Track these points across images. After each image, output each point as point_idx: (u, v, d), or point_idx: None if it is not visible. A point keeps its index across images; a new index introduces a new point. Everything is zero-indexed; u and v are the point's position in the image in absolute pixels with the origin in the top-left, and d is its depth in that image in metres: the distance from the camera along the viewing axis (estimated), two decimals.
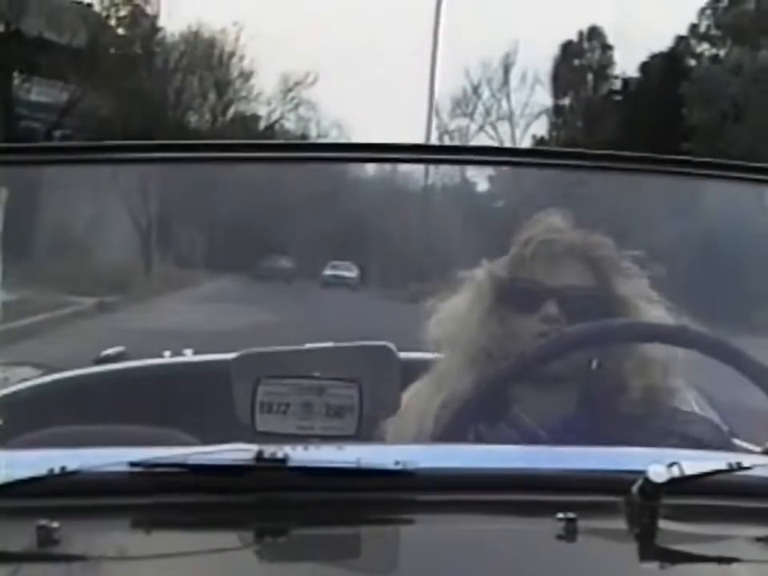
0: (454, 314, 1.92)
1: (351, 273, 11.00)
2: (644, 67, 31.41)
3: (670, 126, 27.17)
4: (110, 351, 2.54)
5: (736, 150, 23.83)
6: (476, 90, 31.45)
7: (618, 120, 29.97)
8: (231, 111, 28.51)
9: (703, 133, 26.52)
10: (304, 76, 28.59)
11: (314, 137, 28.16)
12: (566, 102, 32.39)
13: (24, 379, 2.34)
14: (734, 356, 1.69)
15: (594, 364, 1.81)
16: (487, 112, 31.39)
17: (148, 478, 1.33)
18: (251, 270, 8.35)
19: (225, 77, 28.30)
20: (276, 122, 29.08)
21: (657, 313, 1.85)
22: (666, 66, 30.07)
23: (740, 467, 1.36)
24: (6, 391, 2.19)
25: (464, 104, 31.70)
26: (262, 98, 29.07)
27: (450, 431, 1.66)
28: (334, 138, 27.80)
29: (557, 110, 32.31)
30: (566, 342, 1.76)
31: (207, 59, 27.73)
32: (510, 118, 31.47)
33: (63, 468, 1.30)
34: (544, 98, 32.58)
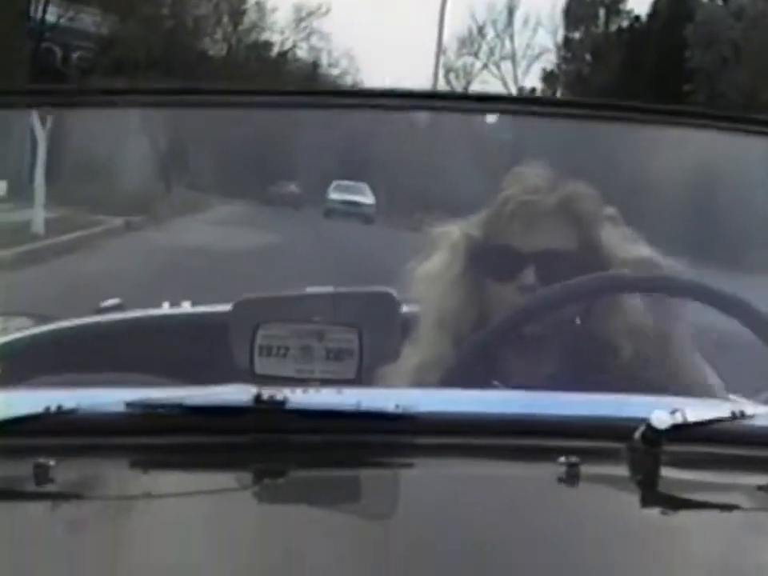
0: (428, 274, 1.88)
1: (365, 198, 8.68)
2: (654, 5, 31.29)
3: (673, 66, 27.09)
4: (107, 302, 2.53)
5: (735, 92, 23.80)
6: (481, 30, 31.76)
7: (623, 58, 29.88)
8: (246, 39, 29.39)
9: (704, 75, 26.41)
10: (317, 7, 29.80)
11: (324, 65, 29.65)
12: (576, 36, 32.41)
13: (21, 329, 2.33)
14: (724, 301, 1.68)
15: (578, 320, 1.80)
16: (491, 51, 31.67)
17: (145, 419, 1.32)
18: (261, 195, 8.46)
19: (240, 6, 29.17)
20: (288, 50, 30.15)
21: (643, 257, 1.81)
22: (673, 7, 29.96)
23: (743, 415, 1.35)
24: (2, 340, 2.18)
25: (469, 43, 32.04)
26: (276, 27, 30.14)
27: (447, 377, 1.66)
28: (343, 67, 29.41)
29: (566, 44, 32.35)
30: (549, 300, 1.74)
31: None
32: (513, 57, 31.65)
33: (60, 407, 1.29)
34: (545, 39, 32.61)
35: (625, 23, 32.80)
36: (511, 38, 32.32)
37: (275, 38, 30.27)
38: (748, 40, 26.60)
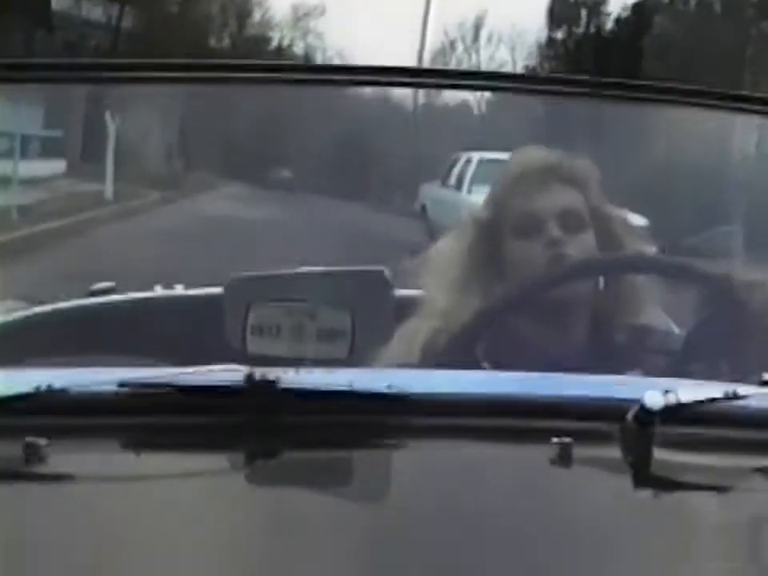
0: (436, 254, 1.89)
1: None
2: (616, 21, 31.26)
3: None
4: (100, 285, 2.52)
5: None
6: (452, 44, 32.43)
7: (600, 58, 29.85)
8: (246, 35, 30.54)
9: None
10: (312, 8, 30.77)
11: (319, 61, 30.14)
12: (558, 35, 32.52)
13: (11, 310, 2.32)
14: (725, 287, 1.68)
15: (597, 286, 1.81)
16: (459, 63, 32.27)
17: (137, 399, 1.31)
18: (261, 178, 9.90)
19: (243, 4, 30.39)
20: (286, 48, 31.09)
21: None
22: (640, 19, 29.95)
23: (736, 396, 1.35)
24: None
25: (445, 54, 32.61)
26: (275, 25, 31.34)
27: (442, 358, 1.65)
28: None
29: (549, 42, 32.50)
30: (567, 272, 1.75)
31: None
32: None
33: (50, 386, 1.29)
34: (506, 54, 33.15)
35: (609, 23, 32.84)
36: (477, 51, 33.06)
37: (274, 36, 31.62)
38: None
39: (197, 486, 1.24)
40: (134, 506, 1.20)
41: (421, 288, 1.90)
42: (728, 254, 2.13)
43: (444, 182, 10.31)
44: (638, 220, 1.88)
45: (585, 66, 28.14)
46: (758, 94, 1.74)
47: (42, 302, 2.44)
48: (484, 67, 31.43)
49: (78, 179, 9.41)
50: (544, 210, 1.84)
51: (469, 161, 10.66)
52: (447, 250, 1.89)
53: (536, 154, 1.94)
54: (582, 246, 1.81)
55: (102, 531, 1.14)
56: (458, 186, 10.50)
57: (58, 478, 1.24)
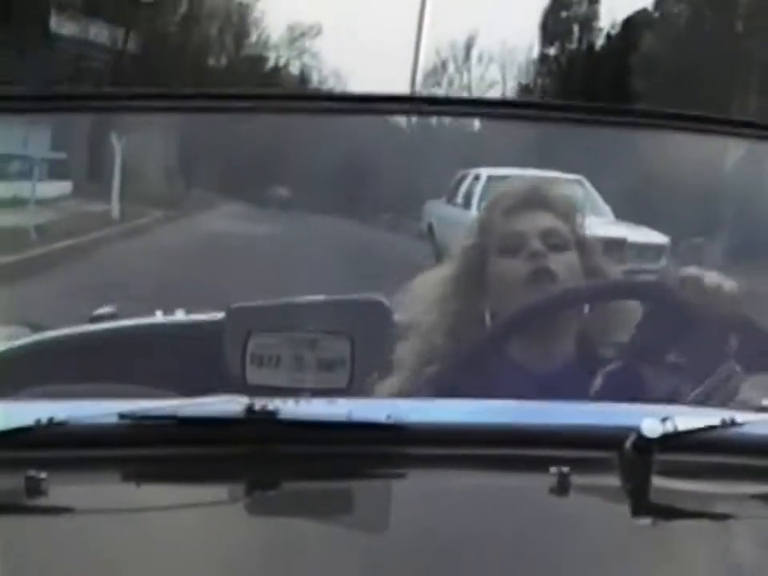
0: (424, 282, 1.91)
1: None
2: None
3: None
4: (101, 311, 2.53)
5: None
6: (444, 64, 32.73)
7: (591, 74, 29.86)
8: (244, 56, 31.11)
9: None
10: (308, 28, 31.26)
11: (315, 82, 31.08)
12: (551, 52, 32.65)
13: (13, 338, 2.32)
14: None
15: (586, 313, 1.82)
16: (450, 83, 32.59)
17: (137, 430, 1.32)
18: (258, 197, 10.39)
19: (240, 26, 31.03)
20: (282, 68, 31.93)
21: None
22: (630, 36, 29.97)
23: (733, 423, 1.35)
24: None
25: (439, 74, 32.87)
26: (271, 45, 31.97)
27: (439, 386, 1.66)
28: (331, 84, 30.52)
29: (542, 59, 32.63)
30: (560, 299, 1.75)
31: (226, 10, 30.31)
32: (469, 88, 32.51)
33: (51, 419, 1.29)
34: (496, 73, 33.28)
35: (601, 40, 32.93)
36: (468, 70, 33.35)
37: (271, 56, 32.30)
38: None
39: (197, 517, 1.25)
40: (134, 537, 1.20)
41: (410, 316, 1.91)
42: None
43: (450, 199, 10.15)
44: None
45: (575, 84, 28.21)
46: (744, 119, 1.77)
47: (43, 329, 2.44)
48: (475, 85, 31.83)
49: (83, 200, 9.99)
50: (527, 229, 1.87)
51: (477, 177, 10.55)
52: (435, 279, 1.91)
53: (520, 183, 1.99)
54: (564, 263, 1.84)
55: (104, 563, 1.14)
56: (466, 203, 10.40)
57: (58, 510, 1.24)
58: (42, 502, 1.23)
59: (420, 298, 1.86)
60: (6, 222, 6.29)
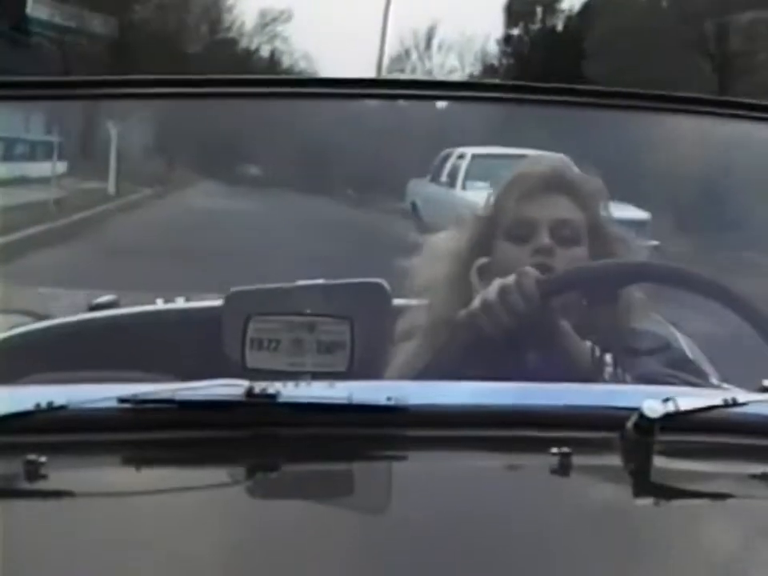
0: (439, 243, 1.90)
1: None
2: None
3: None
4: (102, 299, 2.53)
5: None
6: (406, 52, 33.03)
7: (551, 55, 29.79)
8: (217, 41, 31.60)
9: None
10: (279, 14, 32.09)
11: (285, 65, 32.03)
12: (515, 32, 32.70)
13: (14, 326, 2.32)
14: (725, 296, 1.67)
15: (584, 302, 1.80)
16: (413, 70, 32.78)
17: (137, 414, 1.31)
18: (230, 176, 10.59)
19: (214, 12, 31.85)
20: (254, 52, 32.61)
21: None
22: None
23: (735, 403, 1.35)
24: None
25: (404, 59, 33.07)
26: (244, 31, 32.67)
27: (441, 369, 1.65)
28: (302, 68, 31.39)
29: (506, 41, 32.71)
30: (564, 281, 1.74)
31: None
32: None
33: (51, 403, 1.29)
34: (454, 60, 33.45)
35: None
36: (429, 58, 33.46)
37: (243, 41, 32.88)
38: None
39: (197, 501, 1.25)
40: (134, 521, 1.20)
41: (415, 279, 1.89)
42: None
43: (435, 178, 10.03)
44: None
45: (536, 66, 28.18)
46: (721, 98, 1.77)
47: (43, 317, 2.44)
48: (437, 70, 32.10)
49: (79, 178, 10.48)
50: (538, 217, 1.83)
51: (462, 156, 10.46)
52: (446, 241, 1.89)
53: (542, 162, 1.94)
54: (571, 259, 1.80)
55: (103, 547, 1.14)
56: (451, 182, 10.31)
57: (58, 495, 1.24)
58: (41, 486, 1.23)
59: (430, 261, 1.84)
60: (29, 197, 7.91)
